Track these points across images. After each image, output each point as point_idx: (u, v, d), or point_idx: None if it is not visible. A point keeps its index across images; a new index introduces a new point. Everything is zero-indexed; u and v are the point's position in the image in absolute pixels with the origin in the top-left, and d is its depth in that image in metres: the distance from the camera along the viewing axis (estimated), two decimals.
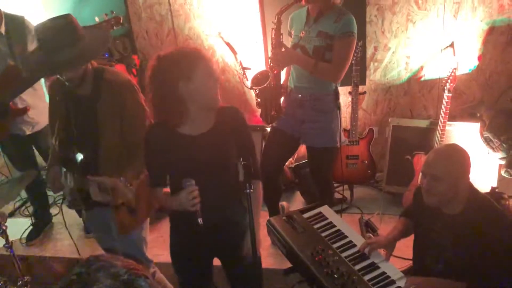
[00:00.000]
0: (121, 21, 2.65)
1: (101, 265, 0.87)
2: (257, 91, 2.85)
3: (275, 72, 2.74)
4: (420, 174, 2.00)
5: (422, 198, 2.03)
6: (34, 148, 3.46)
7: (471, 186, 1.96)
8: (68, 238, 3.51)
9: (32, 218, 3.70)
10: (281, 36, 2.65)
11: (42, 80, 3.18)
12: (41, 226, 3.68)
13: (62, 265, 3.37)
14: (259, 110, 2.94)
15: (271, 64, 2.73)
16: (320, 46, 2.62)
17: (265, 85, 2.77)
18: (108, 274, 0.85)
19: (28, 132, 3.25)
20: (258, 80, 2.85)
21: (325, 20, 2.61)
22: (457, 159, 1.90)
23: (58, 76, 2.17)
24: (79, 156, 2.23)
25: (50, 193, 4.08)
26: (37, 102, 3.21)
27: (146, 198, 2.29)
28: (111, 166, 2.22)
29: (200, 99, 1.84)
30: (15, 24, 3.04)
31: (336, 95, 2.77)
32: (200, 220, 1.81)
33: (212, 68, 1.86)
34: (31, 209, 3.80)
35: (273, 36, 2.65)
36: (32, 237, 3.59)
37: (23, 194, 3.95)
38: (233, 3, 3.67)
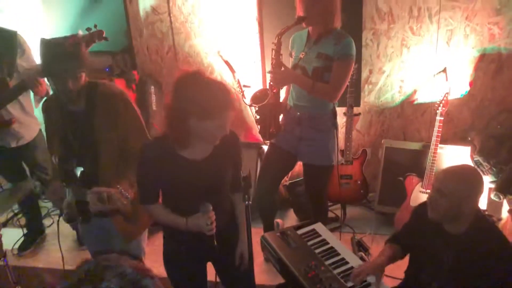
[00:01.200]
0: (103, 35, 2.66)
1: (109, 264, 0.90)
2: (257, 108, 2.91)
3: (275, 90, 2.81)
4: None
5: (423, 216, 2.05)
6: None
7: (478, 209, 1.99)
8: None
9: (24, 229, 3.69)
10: (280, 56, 2.72)
11: (31, 95, 3.21)
12: (34, 237, 3.67)
13: (54, 277, 3.36)
14: (257, 127, 3.00)
15: (271, 83, 2.80)
16: (319, 67, 2.69)
17: (264, 102, 2.83)
18: (115, 273, 0.88)
19: (13, 145, 3.25)
20: (258, 97, 2.92)
21: (325, 42, 2.68)
22: (467, 179, 1.92)
23: (54, 91, 2.23)
24: (79, 169, 2.26)
25: (44, 204, 4.10)
26: (23, 116, 3.22)
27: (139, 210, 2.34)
28: (110, 176, 2.27)
29: (206, 137, 1.86)
30: (5, 37, 3.05)
31: (334, 114, 2.84)
32: (215, 242, 1.87)
33: (232, 116, 1.82)
34: (24, 219, 3.79)
35: (273, 56, 2.72)
36: (24, 248, 3.58)
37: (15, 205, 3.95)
38: (233, 24, 3.76)
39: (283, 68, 2.72)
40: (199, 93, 1.74)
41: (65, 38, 2.22)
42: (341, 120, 3.75)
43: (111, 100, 2.27)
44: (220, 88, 1.78)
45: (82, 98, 2.24)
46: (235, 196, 2.11)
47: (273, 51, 2.71)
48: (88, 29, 2.57)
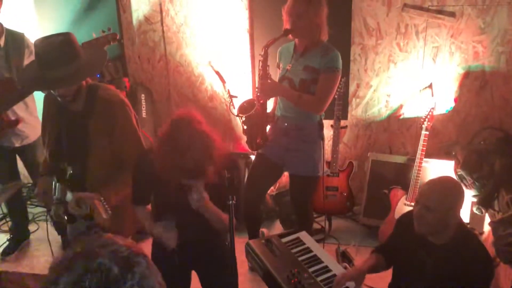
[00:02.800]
0: (117, 37, 2.74)
1: (104, 241, 0.93)
2: (244, 119, 2.94)
3: (261, 101, 2.85)
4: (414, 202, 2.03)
5: (407, 226, 2.08)
6: (20, 161, 3.47)
7: (460, 219, 2.02)
8: (45, 255, 3.52)
9: (10, 233, 3.67)
10: (267, 68, 2.77)
11: (35, 94, 3.24)
12: (18, 241, 3.65)
13: (37, 282, 3.33)
14: (245, 137, 3.03)
15: (258, 94, 2.84)
16: (306, 79, 2.73)
17: (250, 113, 2.87)
18: (110, 250, 0.91)
19: (17, 145, 3.28)
20: (245, 108, 2.95)
21: (311, 55, 2.73)
22: (451, 192, 1.95)
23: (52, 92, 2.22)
24: (69, 169, 2.27)
25: (30, 209, 4.08)
26: (28, 116, 3.25)
27: (130, 215, 2.34)
28: (98, 181, 2.27)
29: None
30: (14, 38, 3.13)
31: (320, 126, 2.89)
32: (176, 259, 1.94)
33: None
34: (9, 224, 3.77)
35: (260, 67, 2.77)
36: (7, 252, 3.56)
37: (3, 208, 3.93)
38: (225, 35, 3.83)
39: (269, 80, 2.76)
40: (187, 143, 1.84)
41: (56, 43, 2.12)
42: (328, 132, 3.80)
43: (110, 107, 2.25)
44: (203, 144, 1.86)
45: (81, 100, 2.23)
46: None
47: (260, 62, 2.75)
48: (102, 31, 2.64)
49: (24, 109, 3.23)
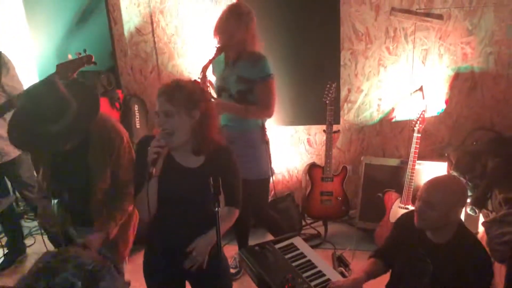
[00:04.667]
0: (92, 60, 2.70)
1: (69, 256, 0.93)
2: None
3: None
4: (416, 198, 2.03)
5: (405, 227, 2.09)
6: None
7: (460, 219, 2.04)
8: None
9: (5, 248, 3.67)
10: (208, 88, 2.85)
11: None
12: (14, 256, 3.64)
13: None
14: None
15: None
16: (242, 90, 2.82)
17: None
18: (74, 264, 0.91)
19: None
20: None
21: (242, 66, 2.81)
22: (454, 190, 1.97)
23: None
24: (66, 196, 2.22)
25: (25, 224, 4.08)
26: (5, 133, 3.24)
27: (127, 236, 2.37)
28: (100, 208, 2.28)
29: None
30: None
31: (263, 130, 2.98)
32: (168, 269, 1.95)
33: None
34: (5, 239, 3.76)
35: None
36: (3, 267, 3.54)
37: None
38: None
39: (213, 100, 2.79)
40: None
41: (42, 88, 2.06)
42: (321, 137, 3.83)
43: (107, 139, 2.21)
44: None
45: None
46: (224, 211, 2.09)
47: (203, 84, 2.82)
48: (78, 53, 2.62)
49: (2, 124, 3.15)
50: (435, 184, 2.00)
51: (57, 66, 2.71)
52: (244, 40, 2.78)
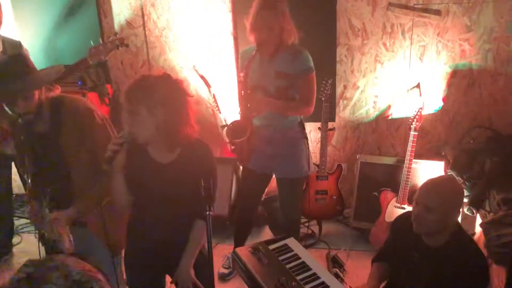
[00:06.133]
0: (124, 42, 2.70)
1: (54, 265, 0.85)
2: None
3: (248, 118, 2.75)
4: (413, 201, 1.97)
5: (401, 229, 2.04)
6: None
7: (457, 222, 1.99)
8: None
9: None
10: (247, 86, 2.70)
11: None
12: (0, 254, 3.55)
13: None
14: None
15: (244, 112, 2.73)
16: (281, 86, 2.68)
17: (245, 137, 2.74)
18: (60, 274, 0.83)
19: None
20: (236, 132, 2.79)
21: (280, 60, 2.67)
22: (451, 193, 1.92)
23: (9, 110, 2.09)
24: (49, 191, 2.21)
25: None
26: None
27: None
28: (82, 193, 2.20)
29: None
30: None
31: (302, 125, 2.86)
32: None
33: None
34: None
35: (239, 90, 2.73)
36: None
37: None
38: (208, 38, 3.76)
39: (254, 98, 2.69)
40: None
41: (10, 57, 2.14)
42: (316, 135, 3.76)
43: (78, 120, 2.17)
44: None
45: (46, 119, 2.14)
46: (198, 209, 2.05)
47: (240, 83, 2.70)
48: (108, 37, 2.59)
49: None
50: (432, 187, 1.94)
51: (90, 49, 2.69)
52: (283, 31, 2.60)
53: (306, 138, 2.88)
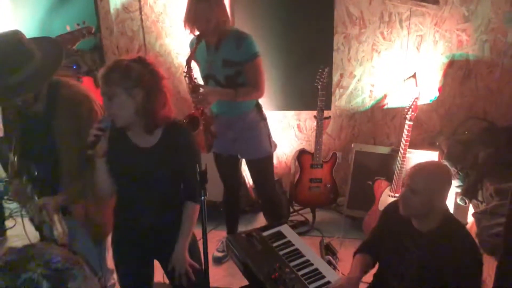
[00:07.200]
0: (93, 31, 2.64)
1: (35, 253, 0.84)
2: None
3: (202, 109, 2.77)
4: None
5: (392, 216, 2.05)
6: None
7: (446, 207, 2.00)
8: None
9: None
10: (195, 80, 2.72)
11: None
12: None
13: None
14: None
15: (196, 105, 2.75)
16: (230, 75, 2.72)
17: (199, 129, 2.79)
18: (40, 262, 0.82)
19: None
20: (190, 124, 2.77)
21: (226, 48, 2.70)
22: (437, 176, 1.93)
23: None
24: (34, 170, 2.19)
25: (6, 205, 3.97)
26: None
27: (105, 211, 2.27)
28: (66, 181, 2.17)
29: None
30: None
31: (259, 108, 2.93)
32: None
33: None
34: None
35: (187, 82, 2.73)
36: None
37: None
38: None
39: (201, 90, 2.70)
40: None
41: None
42: (311, 123, 3.76)
43: (74, 106, 2.12)
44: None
45: (43, 100, 2.10)
46: (185, 192, 2.07)
47: (186, 78, 2.72)
48: (76, 25, 2.52)
49: None
50: (418, 170, 1.96)
51: (56, 38, 2.60)
52: (221, 20, 2.64)
53: (265, 119, 2.97)
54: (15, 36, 1.98)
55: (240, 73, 2.73)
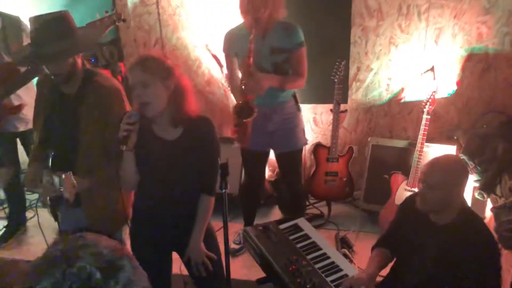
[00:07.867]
0: (122, 17, 2.70)
1: (85, 243, 0.86)
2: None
3: (250, 98, 2.72)
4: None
5: (409, 210, 2.05)
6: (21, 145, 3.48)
7: (464, 200, 1.99)
8: (42, 242, 3.47)
9: (7, 220, 3.64)
10: (250, 64, 2.65)
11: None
12: (14, 229, 3.61)
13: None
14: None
15: (247, 91, 2.68)
16: (278, 62, 2.74)
17: (253, 117, 2.70)
18: (91, 252, 0.84)
19: (21, 129, 3.29)
20: (244, 111, 2.72)
21: (275, 36, 2.71)
22: (453, 170, 1.93)
23: (45, 69, 2.18)
24: (52, 153, 2.23)
25: (27, 196, 4.03)
26: (30, 100, 3.19)
27: (126, 203, 2.29)
28: (87, 168, 2.21)
29: None
30: (11, 22, 3.11)
31: (295, 99, 2.96)
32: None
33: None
34: (7, 211, 3.73)
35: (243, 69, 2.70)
36: (3, 239, 3.52)
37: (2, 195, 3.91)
38: (222, 17, 3.73)
39: (253, 76, 2.66)
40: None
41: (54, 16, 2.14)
42: (328, 117, 3.75)
43: (105, 95, 2.19)
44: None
45: (76, 83, 2.19)
46: (202, 185, 2.08)
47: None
48: (106, 12, 2.61)
49: (26, 92, 3.19)
50: (433, 165, 1.96)
51: (87, 25, 2.68)
52: (273, 10, 2.63)
53: (300, 111, 3.00)
54: (61, 14, 2.15)
55: (287, 60, 2.75)
